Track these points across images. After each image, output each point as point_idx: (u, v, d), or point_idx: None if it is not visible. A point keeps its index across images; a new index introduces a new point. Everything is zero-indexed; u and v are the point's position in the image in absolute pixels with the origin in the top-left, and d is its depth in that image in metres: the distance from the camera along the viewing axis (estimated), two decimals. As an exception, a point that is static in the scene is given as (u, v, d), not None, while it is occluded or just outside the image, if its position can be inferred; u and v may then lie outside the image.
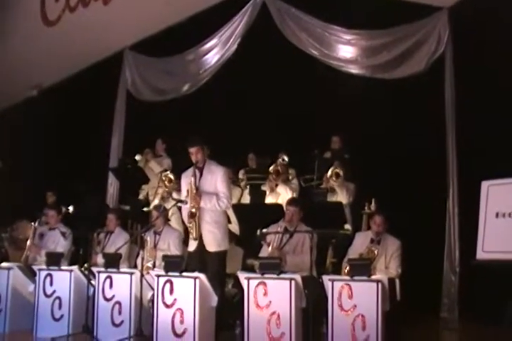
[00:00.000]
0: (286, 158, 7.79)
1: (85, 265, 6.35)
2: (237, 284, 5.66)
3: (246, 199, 8.03)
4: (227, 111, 8.83)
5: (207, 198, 5.72)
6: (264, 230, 5.80)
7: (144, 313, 5.61)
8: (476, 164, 6.62)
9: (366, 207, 6.80)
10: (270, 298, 5.09)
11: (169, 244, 6.46)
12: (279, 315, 5.03)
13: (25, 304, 6.44)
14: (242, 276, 5.34)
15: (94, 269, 6.04)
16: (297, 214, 5.91)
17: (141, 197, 8.63)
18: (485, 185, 4.61)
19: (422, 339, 5.90)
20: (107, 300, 5.81)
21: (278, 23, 8.36)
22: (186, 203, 5.79)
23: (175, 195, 7.41)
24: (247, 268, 6.06)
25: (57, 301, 6.13)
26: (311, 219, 5.93)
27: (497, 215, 4.45)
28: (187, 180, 5.86)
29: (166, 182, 7.68)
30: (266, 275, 5.16)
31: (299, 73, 8.31)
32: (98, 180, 9.73)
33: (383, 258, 5.78)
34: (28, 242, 7.03)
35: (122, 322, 5.68)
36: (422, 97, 7.30)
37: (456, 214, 6.93)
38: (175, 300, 5.35)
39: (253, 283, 5.19)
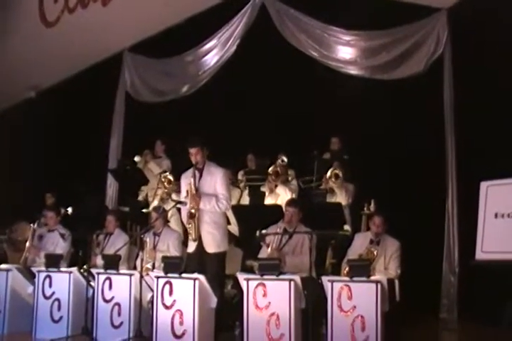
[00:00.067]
0: (285, 159, 7.78)
1: (84, 266, 6.34)
2: (237, 285, 5.65)
3: (245, 200, 8.03)
4: (227, 112, 8.83)
5: (206, 199, 5.72)
6: (264, 231, 5.78)
7: (144, 314, 5.60)
8: (475, 164, 6.63)
9: (365, 208, 6.79)
10: (269, 299, 5.09)
11: (168, 246, 6.46)
12: (278, 316, 5.03)
13: (24, 306, 6.44)
14: (241, 277, 5.34)
15: (94, 271, 6.04)
16: (296, 215, 5.91)
17: (140, 198, 8.62)
18: (484, 185, 4.61)
19: (421, 340, 5.90)
20: (106, 301, 5.81)
21: (277, 25, 8.36)
22: (186, 204, 5.79)
23: (174, 196, 7.41)
24: (247, 269, 6.06)
25: (56, 303, 6.12)
26: (311, 220, 5.93)
27: (496, 216, 4.45)
28: (186, 180, 5.86)
29: (165, 184, 7.68)
30: (265, 276, 5.16)
31: (298, 74, 8.32)
32: (97, 181, 9.73)
33: (382, 259, 5.78)
34: (27, 244, 7.03)
35: (122, 323, 5.68)
36: (421, 98, 7.30)
37: (455, 214, 6.93)
38: (174, 301, 5.35)
39: (252, 284, 5.19)
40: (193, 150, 5.81)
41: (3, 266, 6.71)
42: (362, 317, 4.81)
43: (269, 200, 7.55)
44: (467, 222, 5.57)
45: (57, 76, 10.71)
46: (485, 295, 6.10)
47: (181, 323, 5.28)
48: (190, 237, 5.77)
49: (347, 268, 5.31)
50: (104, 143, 9.95)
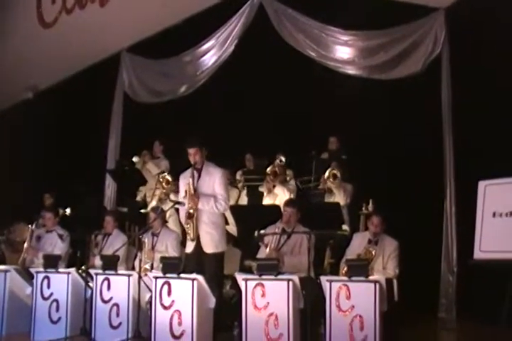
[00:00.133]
0: (283, 159, 7.78)
1: (83, 267, 6.33)
2: (235, 285, 5.65)
3: (243, 200, 8.03)
4: (225, 112, 8.84)
5: (205, 200, 5.72)
6: (262, 231, 5.78)
7: (142, 315, 5.59)
8: (473, 164, 6.63)
9: (364, 208, 6.80)
10: (268, 299, 5.09)
11: (167, 246, 6.46)
12: (277, 316, 5.03)
13: (22, 307, 6.43)
14: (239, 277, 5.34)
15: (92, 271, 6.03)
16: (295, 215, 5.91)
17: (138, 198, 8.63)
18: (482, 184, 4.62)
19: (419, 340, 5.90)
20: (104, 302, 5.80)
21: (275, 25, 8.36)
22: (184, 205, 5.78)
23: (172, 197, 7.40)
24: (245, 270, 6.05)
25: (54, 304, 6.11)
26: (309, 220, 5.93)
27: (494, 215, 4.46)
28: (185, 181, 5.87)
29: (163, 184, 7.68)
30: (264, 277, 5.15)
31: (296, 74, 8.32)
32: (95, 181, 9.72)
33: (381, 259, 5.78)
34: (25, 245, 7.04)
35: (120, 324, 5.67)
36: (418, 98, 7.31)
37: (454, 214, 6.92)
38: (173, 301, 5.35)
39: (251, 284, 5.19)
40: (191, 151, 5.81)
41: (1, 267, 6.71)
42: (360, 316, 4.81)
43: (267, 200, 7.55)
44: (465, 221, 5.58)
45: (55, 76, 10.71)
46: (483, 295, 6.10)
47: (180, 323, 5.28)
48: (188, 237, 5.77)
49: (345, 268, 5.30)
50: (103, 144, 9.95)
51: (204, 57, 9.21)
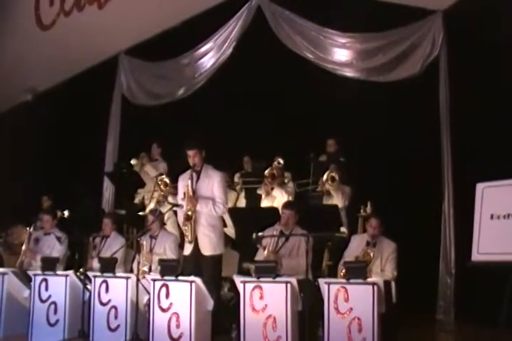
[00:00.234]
0: (281, 161, 7.79)
1: (81, 269, 6.34)
2: (233, 288, 5.65)
3: (242, 202, 8.03)
4: (223, 114, 8.83)
5: (203, 202, 5.72)
6: (260, 234, 5.78)
7: (140, 317, 5.59)
8: (471, 166, 6.63)
9: (362, 210, 6.81)
10: (266, 302, 5.09)
11: (165, 248, 6.44)
12: (275, 319, 5.03)
13: (20, 309, 6.42)
14: (238, 280, 5.34)
15: (90, 274, 6.03)
16: (293, 218, 5.91)
17: (136, 201, 8.62)
18: (480, 187, 4.63)
19: (418, 342, 5.91)
20: (102, 304, 5.80)
21: (273, 27, 8.36)
22: (182, 207, 5.79)
23: (170, 199, 7.40)
24: (243, 272, 6.05)
25: (52, 306, 6.10)
26: (307, 222, 5.93)
27: (492, 217, 4.46)
28: (184, 182, 5.87)
29: (161, 186, 7.67)
30: (262, 279, 5.16)
31: (294, 76, 8.33)
32: (93, 184, 9.72)
33: (379, 261, 5.78)
34: (23, 247, 7.02)
35: (118, 326, 5.67)
36: (416, 100, 7.32)
37: (452, 216, 6.93)
38: (171, 304, 5.35)
39: (249, 286, 5.19)
40: (191, 153, 5.81)
41: (-1, 269, 6.70)
42: (358, 319, 4.81)
43: (265, 203, 7.55)
44: (463, 223, 5.57)
45: (53, 79, 10.70)
46: (481, 297, 6.11)
47: (178, 326, 5.27)
48: (186, 239, 5.77)
49: (343, 270, 5.29)
50: (101, 146, 9.94)
51: (202, 60, 9.21)
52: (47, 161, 10.29)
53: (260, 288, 5.13)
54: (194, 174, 5.83)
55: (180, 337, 5.25)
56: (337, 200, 7.28)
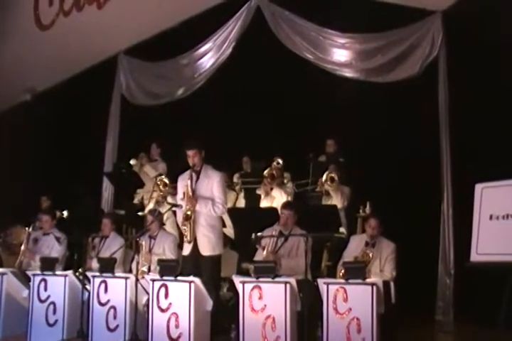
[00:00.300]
0: (280, 162, 7.80)
1: (80, 270, 6.33)
2: (232, 288, 5.65)
3: (241, 203, 8.03)
4: (222, 114, 8.83)
5: (203, 202, 5.72)
6: (259, 234, 5.79)
7: (139, 318, 5.58)
8: (470, 167, 6.63)
9: (361, 210, 6.81)
10: (265, 302, 5.09)
11: (164, 249, 6.45)
12: (274, 319, 5.03)
13: (19, 309, 6.40)
14: (237, 280, 5.34)
15: (89, 274, 6.03)
16: (292, 218, 5.91)
17: (136, 201, 8.61)
18: (479, 187, 4.63)
19: (417, 342, 5.91)
20: (101, 304, 5.79)
21: (272, 27, 8.36)
22: (181, 207, 5.79)
23: (170, 200, 7.41)
24: (242, 272, 6.05)
25: (51, 306, 6.09)
26: (306, 222, 5.93)
27: (491, 217, 4.47)
28: (183, 182, 5.88)
29: (160, 187, 7.68)
30: (261, 279, 5.15)
31: (294, 77, 8.33)
32: (93, 184, 9.71)
33: (378, 261, 5.78)
34: (22, 247, 7.02)
35: (117, 326, 5.67)
36: (415, 100, 7.32)
37: (451, 216, 6.93)
38: (170, 304, 5.34)
39: (248, 286, 5.19)
40: (190, 153, 5.81)
41: (-2, 269, 6.70)
42: (357, 319, 4.81)
43: (264, 203, 7.56)
44: (462, 224, 5.57)
45: (53, 79, 10.70)
46: (480, 297, 6.11)
47: (177, 326, 5.27)
48: (185, 239, 5.77)
49: (342, 271, 5.30)
50: (100, 146, 9.94)
51: (201, 60, 9.20)
52: (46, 161, 10.28)
53: (259, 288, 5.13)
54: (194, 174, 5.83)
55: (179, 337, 5.24)
56: (336, 201, 7.28)
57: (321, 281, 5.12)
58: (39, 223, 7.38)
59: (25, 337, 6.14)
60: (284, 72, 8.39)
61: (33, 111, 10.65)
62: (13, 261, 7.08)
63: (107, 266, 5.89)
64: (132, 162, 8.51)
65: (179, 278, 5.37)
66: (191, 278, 5.33)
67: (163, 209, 7.04)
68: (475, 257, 4.57)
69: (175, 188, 6.43)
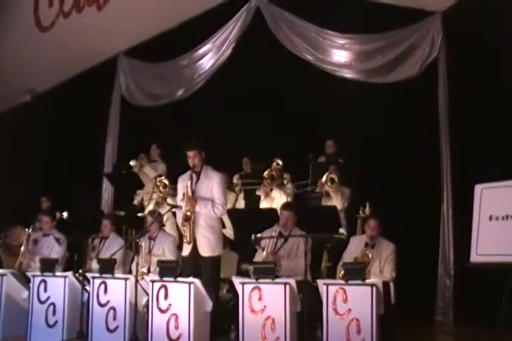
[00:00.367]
0: (280, 163, 7.79)
1: (80, 271, 6.33)
2: (232, 289, 5.65)
3: (240, 204, 8.03)
4: (222, 115, 8.84)
5: (202, 203, 5.72)
6: (259, 235, 5.78)
7: (139, 319, 5.58)
8: (469, 167, 6.63)
9: (361, 211, 6.80)
10: (265, 303, 5.09)
11: (164, 250, 6.45)
12: (273, 320, 5.03)
13: (19, 310, 6.41)
14: (236, 281, 5.34)
15: (89, 275, 6.03)
16: (292, 219, 5.91)
17: (135, 202, 8.61)
18: (478, 188, 4.63)
19: (417, 343, 5.91)
20: (101, 305, 5.79)
21: (272, 28, 8.36)
22: (181, 208, 5.79)
23: (169, 201, 7.40)
24: (242, 273, 6.05)
25: (51, 307, 6.10)
26: (306, 223, 5.93)
27: (490, 218, 4.47)
28: (183, 183, 5.88)
29: (160, 188, 7.66)
30: (260, 280, 5.16)
31: (293, 78, 8.33)
32: (92, 185, 9.71)
33: (378, 262, 5.78)
34: (22, 248, 7.02)
35: (117, 327, 5.67)
36: (415, 101, 7.32)
37: (451, 217, 6.93)
38: (170, 305, 5.34)
39: (248, 287, 5.19)
40: (190, 154, 5.81)
41: (-2, 270, 6.70)
42: (357, 320, 4.81)
43: (264, 204, 7.56)
44: (462, 224, 5.57)
45: (52, 80, 10.70)
46: (480, 298, 6.11)
47: (177, 327, 5.27)
48: (184, 240, 5.77)
49: (342, 272, 5.30)
50: (100, 147, 9.94)
51: (201, 61, 9.20)
52: (46, 162, 10.28)
53: (259, 289, 5.13)
54: (194, 175, 5.83)
55: (178, 338, 5.25)
56: (336, 202, 7.27)
57: (320, 282, 5.12)
58: (39, 224, 7.38)
59: (25, 338, 6.15)
60: (284, 72, 8.39)
61: (32, 112, 10.66)
62: (12, 262, 7.08)
63: (107, 267, 5.89)
64: (132, 163, 8.51)
65: (179, 279, 5.38)
66: (191, 279, 5.33)
67: (163, 210, 7.04)
68: (475, 258, 4.57)
69: (175, 189, 6.43)
